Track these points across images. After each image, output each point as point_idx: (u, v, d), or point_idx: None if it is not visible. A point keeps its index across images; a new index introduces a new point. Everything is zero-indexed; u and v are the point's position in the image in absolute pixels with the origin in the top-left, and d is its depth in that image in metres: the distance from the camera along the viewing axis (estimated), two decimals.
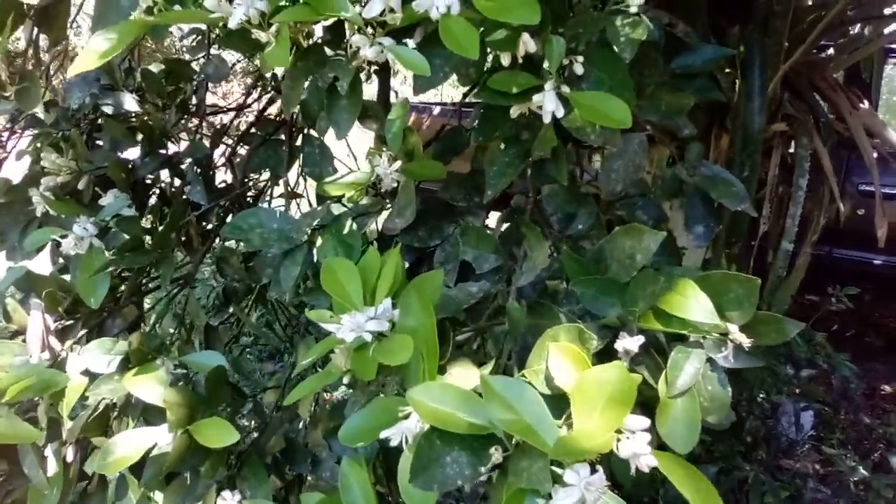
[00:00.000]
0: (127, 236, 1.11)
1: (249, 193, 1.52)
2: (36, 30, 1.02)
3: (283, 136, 1.39)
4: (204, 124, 1.51)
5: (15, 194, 1.26)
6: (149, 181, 1.32)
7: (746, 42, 1.89)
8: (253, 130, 1.41)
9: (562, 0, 0.84)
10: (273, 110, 1.72)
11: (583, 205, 0.99)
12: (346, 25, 0.85)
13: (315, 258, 1.05)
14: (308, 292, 1.08)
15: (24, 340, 1.05)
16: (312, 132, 1.22)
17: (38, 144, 1.30)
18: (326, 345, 0.74)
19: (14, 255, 1.29)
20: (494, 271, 0.96)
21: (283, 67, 0.74)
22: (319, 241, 1.04)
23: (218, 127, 1.58)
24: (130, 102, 1.34)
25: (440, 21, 0.73)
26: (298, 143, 1.29)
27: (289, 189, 1.26)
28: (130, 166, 1.27)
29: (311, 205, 1.25)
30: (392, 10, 0.76)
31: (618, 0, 0.82)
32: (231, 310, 1.43)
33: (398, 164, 1.09)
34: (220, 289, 1.46)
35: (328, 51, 0.85)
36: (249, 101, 1.47)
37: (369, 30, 0.78)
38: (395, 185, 1.12)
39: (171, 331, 1.20)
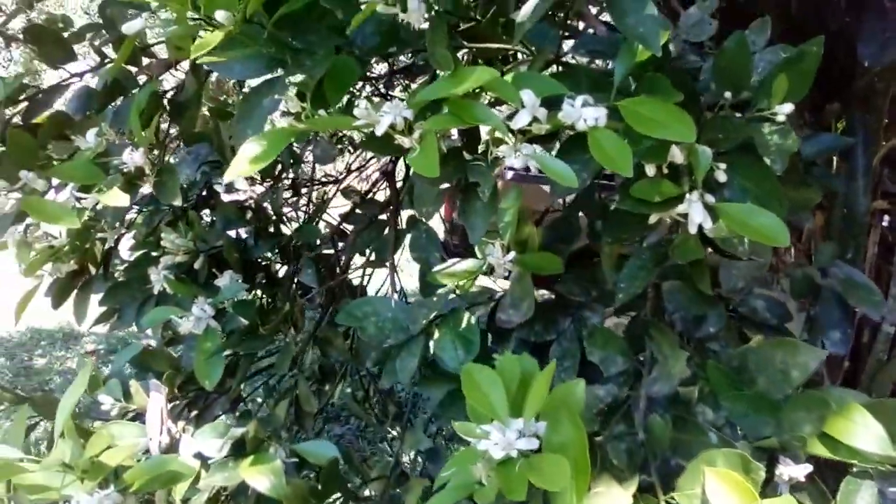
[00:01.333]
0: (243, 319, 1.13)
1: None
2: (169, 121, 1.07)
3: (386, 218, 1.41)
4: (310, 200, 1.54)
5: (133, 272, 1.30)
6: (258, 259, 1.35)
7: (848, 121, 1.85)
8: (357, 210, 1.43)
9: (694, 103, 0.83)
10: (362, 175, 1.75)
11: (711, 305, 0.96)
12: (483, 129, 0.86)
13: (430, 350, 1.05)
14: (421, 382, 1.07)
15: (142, 422, 1.07)
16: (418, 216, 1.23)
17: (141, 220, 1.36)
18: (467, 458, 0.72)
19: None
20: (619, 373, 0.94)
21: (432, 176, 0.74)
22: (437, 334, 1.03)
23: (319, 201, 1.62)
24: (242, 182, 1.38)
25: (589, 133, 0.73)
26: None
27: (395, 271, 1.27)
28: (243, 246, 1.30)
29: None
30: (538, 121, 0.76)
31: (761, 106, 0.81)
32: (327, 388, 1.43)
33: (512, 254, 1.09)
34: (315, 366, 1.47)
35: (466, 154, 0.85)
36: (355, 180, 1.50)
37: (509, 136, 0.78)
38: (507, 274, 1.11)
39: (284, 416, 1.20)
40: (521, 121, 0.75)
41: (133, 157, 0.93)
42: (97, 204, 0.99)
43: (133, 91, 1.09)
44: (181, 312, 1.18)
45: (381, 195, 1.63)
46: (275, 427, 1.06)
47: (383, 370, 1.09)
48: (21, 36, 1.12)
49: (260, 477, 0.99)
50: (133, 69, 1.11)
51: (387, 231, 1.37)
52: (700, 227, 0.78)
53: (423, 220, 1.09)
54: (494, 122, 0.75)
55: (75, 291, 1.37)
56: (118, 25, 1.06)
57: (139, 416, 1.10)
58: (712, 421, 0.85)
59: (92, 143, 0.98)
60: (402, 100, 0.80)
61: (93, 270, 1.36)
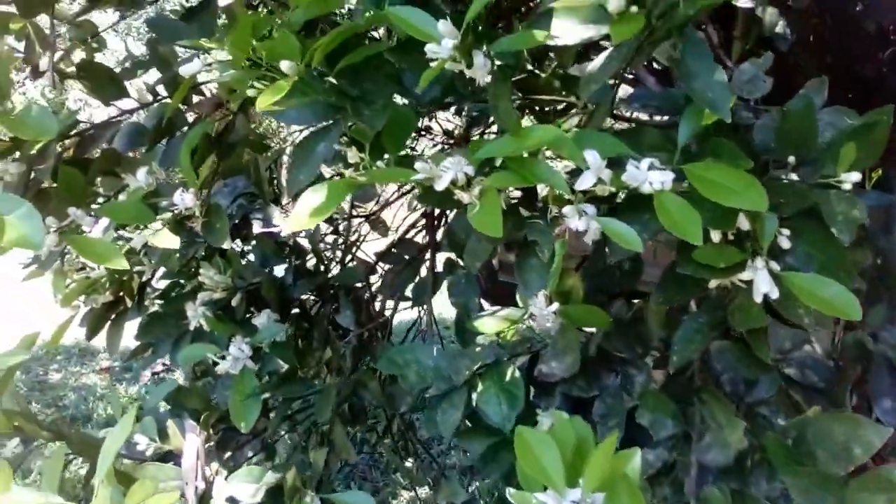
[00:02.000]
0: (281, 361, 1.12)
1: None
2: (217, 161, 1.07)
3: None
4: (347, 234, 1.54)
5: (169, 307, 1.29)
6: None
7: (884, 175, 1.83)
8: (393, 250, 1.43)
9: (755, 166, 0.82)
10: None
11: (764, 369, 0.94)
12: (541, 187, 0.85)
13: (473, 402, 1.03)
14: (461, 435, 1.06)
15: (176, 463, 1.06)
16: (458, 260, 1.22)
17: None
18: None
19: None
20: (668, 437, 0.91)
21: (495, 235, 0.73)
22: (480, 387, 1.01)
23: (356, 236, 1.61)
24: (279, 218, 1.38)
25: (655, 197, 0.72)
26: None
27: (433, 317, 1.25)
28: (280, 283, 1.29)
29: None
30: (602, 181, 0.75)
31: (826, 172, 0.80)
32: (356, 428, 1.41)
33: (556, 305, 1.07)
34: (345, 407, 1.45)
35: (523, 211, 0.85)
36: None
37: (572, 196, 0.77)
38: (548, 324, 1.09)
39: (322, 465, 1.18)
40: (585, 182, 0.74)
41: (184, 199, 0.93)
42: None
43: (182, 129, 1.09)
44: (218, 350, 1.17)
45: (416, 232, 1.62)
46: (312, 475, 1.04)
47: (425, 420, 1.07)
48: (74, 72, 1.13)
49: None
50: (182, 107, 1.12)
51: (423, 272, 1.36)
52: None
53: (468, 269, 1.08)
54: (559, 183, 0.74)
55: (109, 322, 1.37)
56: (172, 65, 1.07)
57: (173, 456, 1.08)
58: (766, 493, 0.83)
59: (143, 182, 0.98)
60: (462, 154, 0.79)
61: (128, 302, 1.36)
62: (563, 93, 1.01)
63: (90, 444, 1.01)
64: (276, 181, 1.52)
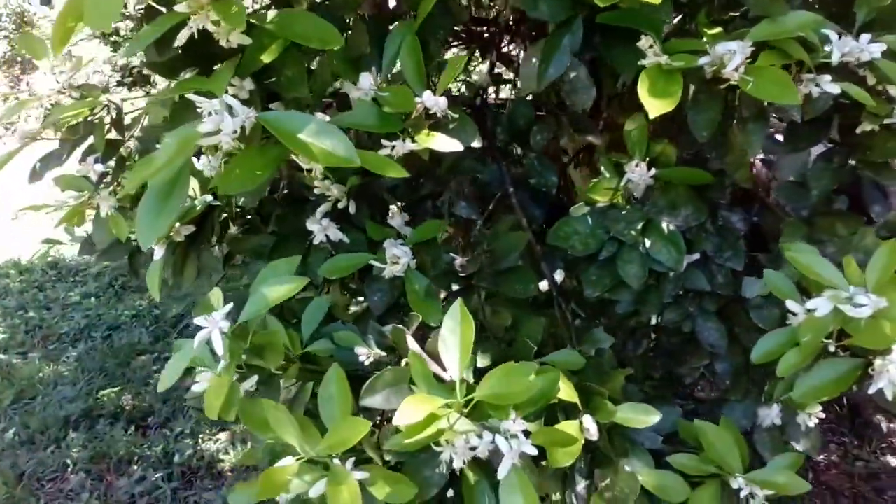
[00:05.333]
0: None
1: None
2: None
3: None
4: None
5: (286, 226, 1.23)
6: None
7: None
8: None
9: None
10: None
11: None
12: None
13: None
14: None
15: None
16: None
17: None
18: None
19: None
20: None
21: None
22: (647, 242, 1.19)
23: None
24: None
25: None
26: None
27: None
28: None
29: None
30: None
31: None
32: None
33: (653, 170, 1.27)
34: None
35: None
36: None
37: None
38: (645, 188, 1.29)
39: None
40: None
41: (438, 103, 0.92)
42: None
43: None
44: (372, 257, 1.17)
45: None
46: None
47: (586, 280, 1.23)
48: None
49: None
50: None
51: None
52: None
53: None
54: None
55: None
56: None
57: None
58: None
59: (367, 89, 0.93)
60: None
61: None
62: None
63: None
64: None
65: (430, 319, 1.15)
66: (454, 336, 0.89)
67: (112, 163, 1.24)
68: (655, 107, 0.84)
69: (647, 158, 1.25)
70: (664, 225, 1.22)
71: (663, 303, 1.25)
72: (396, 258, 1.17)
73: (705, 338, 1.26)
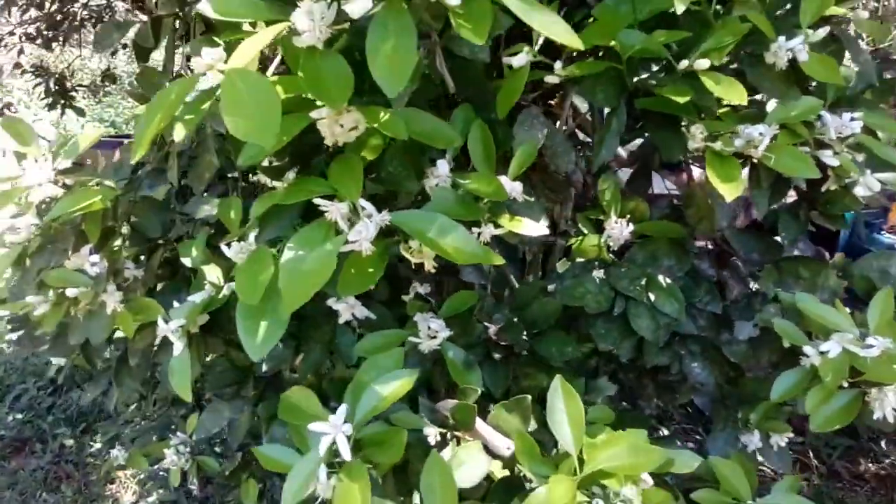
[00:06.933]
0: None
1: None
2: None
3: None
4: None
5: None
6: None
7: None
8: None
9: None
10: None
11: None
12: None
13: None
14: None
15: None
16: None
17: None
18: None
19: None
20: None
21: None
22: (652, 296, 1.30)
23: None
24: None
25: None
26: None
27: None
28: None
29: None
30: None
31: None
32: None
33: (631, 226, 1.39)
34: None
35: None
36: None
37: None
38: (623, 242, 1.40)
39: None
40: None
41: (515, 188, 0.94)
42: None
43: None
44: (409, 333, 1.17)
45: None
46: None
47: (595, 334, 1.31)
48: None
49: None
50: None
51: None
52: None
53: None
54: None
55: None
56: None
57: None
58: None
59: (445, 174, 0.93)
60: None
61: None
62: None
63: None
64: None
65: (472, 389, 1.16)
66: (562, 413, 0.92)
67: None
68: (729, 192, 0.94)
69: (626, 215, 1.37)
70: (660, 279, 1.33)
71: (659, 348, 1.36)
72: (434, 332, 1.17)
73: (694, 377, 1.39)
